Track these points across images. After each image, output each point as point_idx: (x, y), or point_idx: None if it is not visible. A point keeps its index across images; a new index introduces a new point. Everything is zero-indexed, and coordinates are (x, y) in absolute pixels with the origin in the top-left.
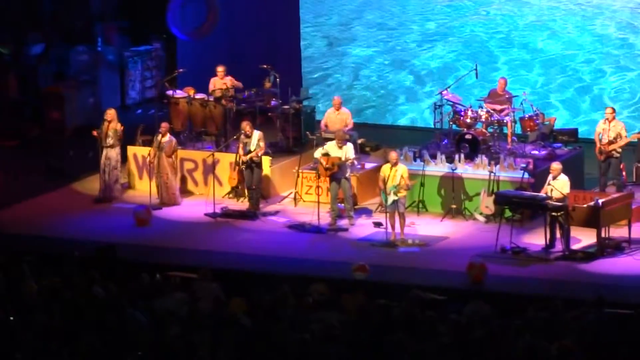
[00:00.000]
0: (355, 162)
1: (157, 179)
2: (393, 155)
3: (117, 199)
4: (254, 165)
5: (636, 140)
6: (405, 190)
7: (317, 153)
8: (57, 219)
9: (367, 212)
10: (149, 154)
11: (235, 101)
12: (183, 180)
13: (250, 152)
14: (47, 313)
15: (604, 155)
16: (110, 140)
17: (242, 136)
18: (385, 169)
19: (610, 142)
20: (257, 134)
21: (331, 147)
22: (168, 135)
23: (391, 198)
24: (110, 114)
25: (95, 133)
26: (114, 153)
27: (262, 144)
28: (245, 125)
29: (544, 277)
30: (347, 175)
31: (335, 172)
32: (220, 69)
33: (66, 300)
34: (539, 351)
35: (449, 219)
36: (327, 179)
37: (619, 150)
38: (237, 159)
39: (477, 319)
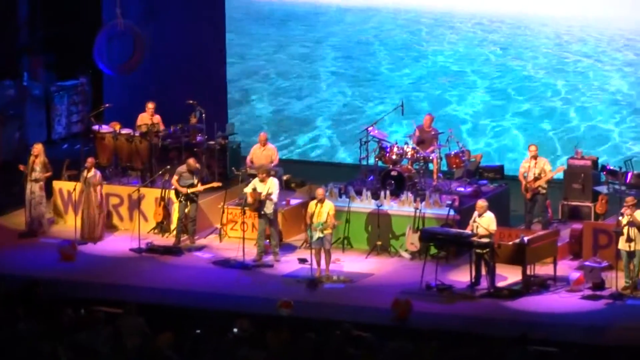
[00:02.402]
0: (274, 198)
1: (82, 214)
2: (319, 191)
3: (43, 234)
4: (195, 197)
5: (561, 174)
6: (332, 228)
7: (248, 188)
8: None
9: (293, 248)
10: (74, 189)
11: (161, 136)
12: (108, 215)
13: (192, 185)
14: None
15: (530, 193)
16: (35, 175)
17: (180, 167)
18: (312, 205)
19: (536, 179)
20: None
21: (257, 182)
22: (93, 169)
23: (317, 235)
24: (37, 148)
25: (22, 168)
26: (37, 187)
27: (197, 178)
28: (193, 162)
29: (469, 314)
30: (271, 210)
31: (258, 207)
32: (150, 106)
33: None
34: None
35: (374, 255)
36: (255, 213)
37: (545, 186)
38: (162, 194)
39: (400, 356)
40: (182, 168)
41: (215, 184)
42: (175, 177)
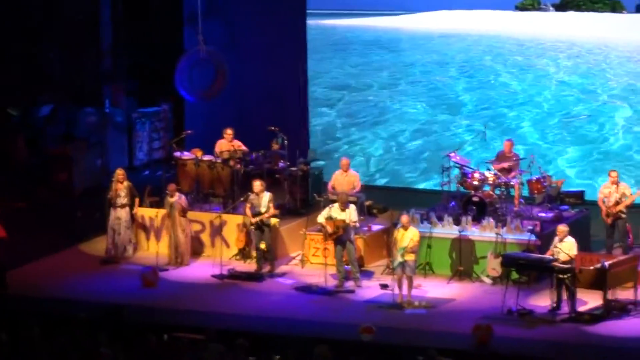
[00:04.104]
0: (358, 225)
1: (170, 239)
2: (404, 218)
3: (128, 259)
4: (264, 226)
5: None
6: (412, 252)
7: (321, 218)
8: (65, 280)
9: (374, 274)
10: (156, 216)
11: (243, 163)
12: (190, 241)
13: (259, 213)
14: None
15: (611, 218)
16: (121, 200)
17: (251, 195)
18: (396, 232)
19: (617, 203)
20: (267, 196)
21: (334, 210)
22: (177, 194)
23: (398, 260)
24: (121, 174)
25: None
26: (124, 213)
27: (271, 205)
28: (258, 185)
29: (550, 339)
30: (351, 238)
31: (341, 235)
32: (228, 132)
33: None
34: None
35: (455, 281)
36: (332, 241)
37: (625, 211)
38: (244, 221)
39: None
40: (253, 195)
41: (271, 213)
42: (248, 206)
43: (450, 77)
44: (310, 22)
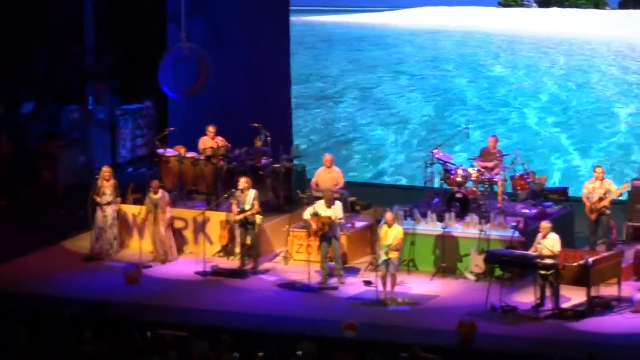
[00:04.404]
0: (344, 221)
1: (153, 236)
2: (388, 216)
3: (112, 257)
4: (249, 224)
5: (626, 190)
6: (396, 250)
7: (306, 214)
8: (48, 278)
9: (358, 270)
10: (140, 212)
11: (226, 160)
12: (173, 237)
13: (244, 210)
14: None
15: (595, 214)
16: (107, 198)
17: (236, 192)
18: (380, 229)
19: (601, 199)
20: (252, 193)
21: (320, 207)
22: (160, 191)
23: (382, 257)
24: (108, 171)
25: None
26: (110, 210)
27: (256, 203)
28: (244, 182)
29: (534, 335)
30: (337, 234)
31: (326, 232)
32: (211, 129)
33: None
34: None
35: (439, 277)
36: (317, 238)
37: (609, 206)
38: (227, 217)
39: None
40: (238, 192)
41: (254, 211)
42: (234, 202)
43: (446, 72)
44: (294, 18)
